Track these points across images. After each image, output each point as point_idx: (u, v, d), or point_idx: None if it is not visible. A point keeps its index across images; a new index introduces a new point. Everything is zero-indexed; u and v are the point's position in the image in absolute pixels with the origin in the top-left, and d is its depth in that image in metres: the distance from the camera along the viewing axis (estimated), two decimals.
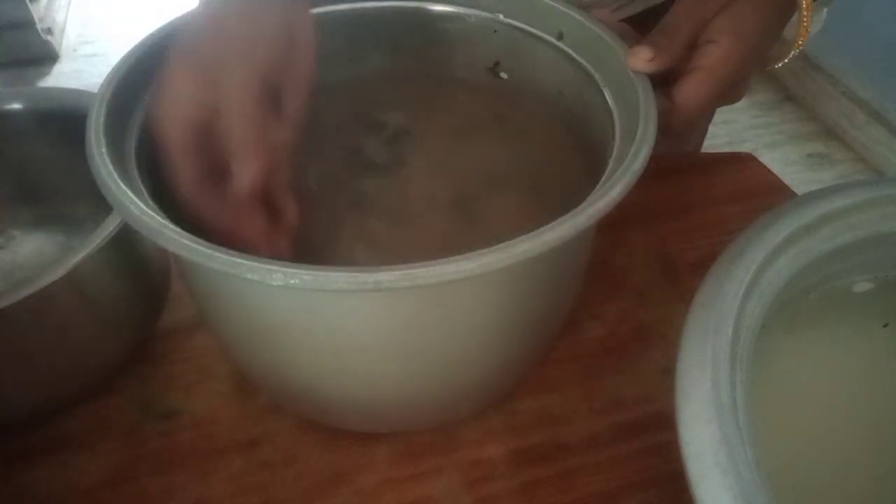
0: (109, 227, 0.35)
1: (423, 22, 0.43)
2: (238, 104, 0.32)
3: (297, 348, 0.32)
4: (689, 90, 0.36)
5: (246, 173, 0.33)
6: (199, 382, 0.42)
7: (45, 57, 1.91)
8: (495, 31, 0.43)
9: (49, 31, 1.90)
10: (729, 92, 0.38)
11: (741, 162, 0.58)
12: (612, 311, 0.46)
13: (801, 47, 0.38)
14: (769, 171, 0.57)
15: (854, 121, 1.65)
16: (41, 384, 0.38)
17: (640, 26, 0.41)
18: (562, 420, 0.40)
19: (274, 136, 0.34)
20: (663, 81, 0.37)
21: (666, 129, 0.33)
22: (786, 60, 0.39)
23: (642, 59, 0.35)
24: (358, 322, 0.30)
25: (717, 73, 0.36)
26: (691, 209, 0.53)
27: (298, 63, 0.35)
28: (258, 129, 0.33)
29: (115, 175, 0.29)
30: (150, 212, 0.28)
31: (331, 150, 0.45)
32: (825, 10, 0.40)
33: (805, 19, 0.37)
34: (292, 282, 0.25)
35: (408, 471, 0.38)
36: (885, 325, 0.35)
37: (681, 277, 0.48)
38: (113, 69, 0.34)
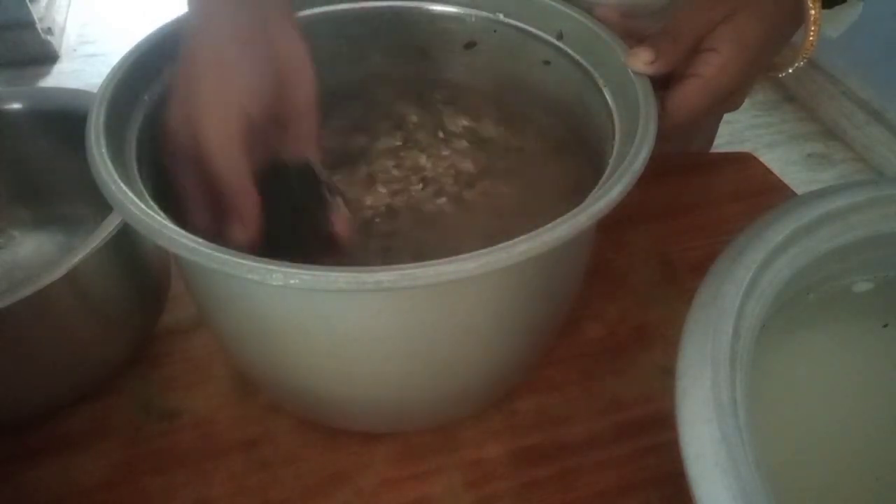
0: (109, 227, 0.35)
1: (423, 22, 0.43)
2: (219, 152, 0.31)
3: (297, 348, 0.32)
4: (683, 98, 0.36)
5: (241, 232, 0.33)
6: (199, 382, 0.42)
7: (45, 57, 1.91)
8: (495, 31, 0.43)
9: (49, 31, 1.90)
10: (727, 100, 0.38)
11: (741, 162, 0.58)
12: (612, 311, 0.46)
13: (805, 59, 0.38)
14: (769, 171, 0.57)
15: (854, 121, 1.65)
16: (41, 384, 0.38)
17: None
18: (562, 420, 0.40)
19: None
20: (662, 85, 0.37)
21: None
22: (790, 70, 0.39)
23: (643, 60, 0.35)
24: (358, 322, 0.30)
25: (714, 83, 0.36)
26: (691, 209, 0.53)
27: (297, 89, 0.34)
28: (242, 178, 0.32)
29: (115, 175, 0.29)
30: (150, 212, 0.28)
31: (332, 151, 0.45)
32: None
33: (812, 33, 0.36)
34: (292, 282, 0.25)
35: (408, 471, 0.38)
36: (885, 326, 0.35)
37: (681, 277, 0.48)
38: (113, 69, 0.34)
